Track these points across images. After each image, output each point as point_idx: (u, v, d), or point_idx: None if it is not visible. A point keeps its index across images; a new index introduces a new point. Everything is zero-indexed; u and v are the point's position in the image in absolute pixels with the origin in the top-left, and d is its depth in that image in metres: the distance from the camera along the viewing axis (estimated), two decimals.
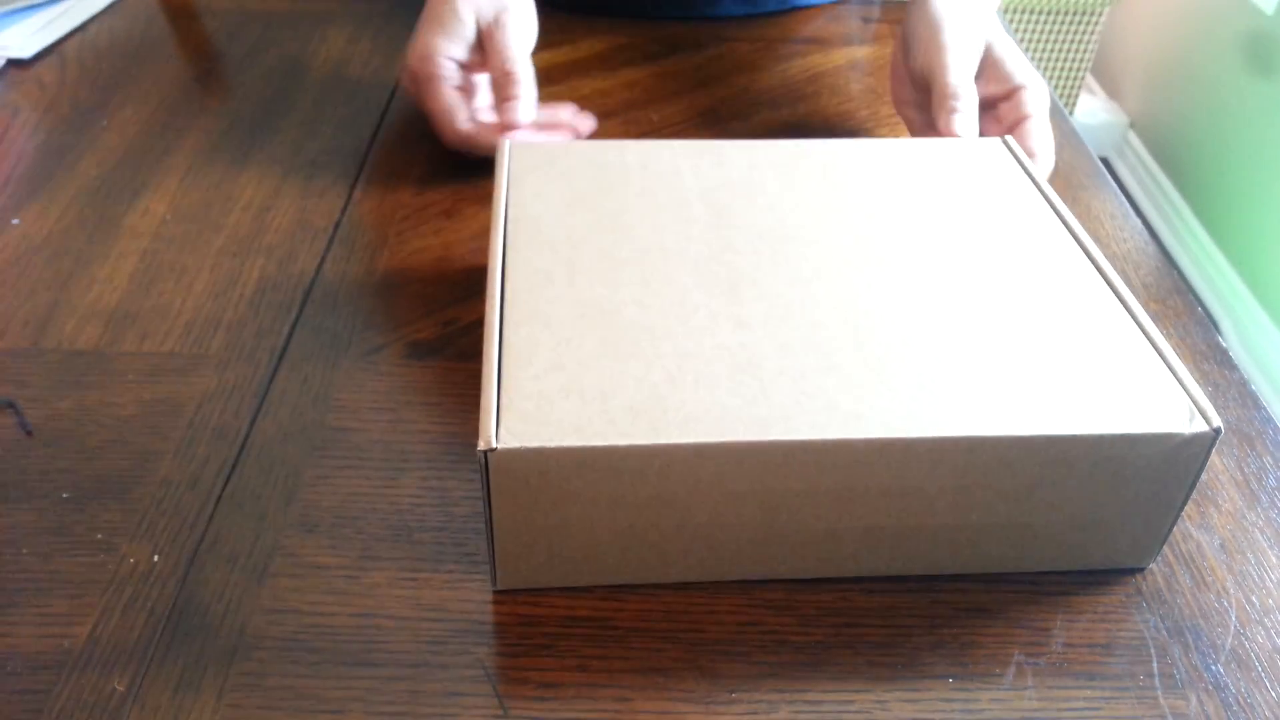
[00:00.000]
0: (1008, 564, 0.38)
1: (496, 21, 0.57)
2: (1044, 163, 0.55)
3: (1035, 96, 0.56)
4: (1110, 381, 0.36)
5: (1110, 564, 0.38)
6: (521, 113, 0.55)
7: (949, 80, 0.55)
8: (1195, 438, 0.35)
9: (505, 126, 0.55)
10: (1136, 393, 0.36)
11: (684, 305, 0.38)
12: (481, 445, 0.33)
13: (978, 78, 0.57)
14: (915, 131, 0.61)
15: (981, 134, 0.57)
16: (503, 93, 0.56)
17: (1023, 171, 0.48)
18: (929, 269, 0.41)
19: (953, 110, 0.54)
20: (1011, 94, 0.57)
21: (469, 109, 0.57)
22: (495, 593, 0.37)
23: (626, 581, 0.37)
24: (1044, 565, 0.38)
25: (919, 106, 0.60)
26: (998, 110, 0.57)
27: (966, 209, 0.45)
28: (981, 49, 0.57)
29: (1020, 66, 0.57)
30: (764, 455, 0.34)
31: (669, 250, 0.41)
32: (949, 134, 0.53)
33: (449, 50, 0.57)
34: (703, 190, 0.45)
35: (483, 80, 0.60)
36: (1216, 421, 0.35)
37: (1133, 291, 0.53)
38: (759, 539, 0.36)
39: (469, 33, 0.57)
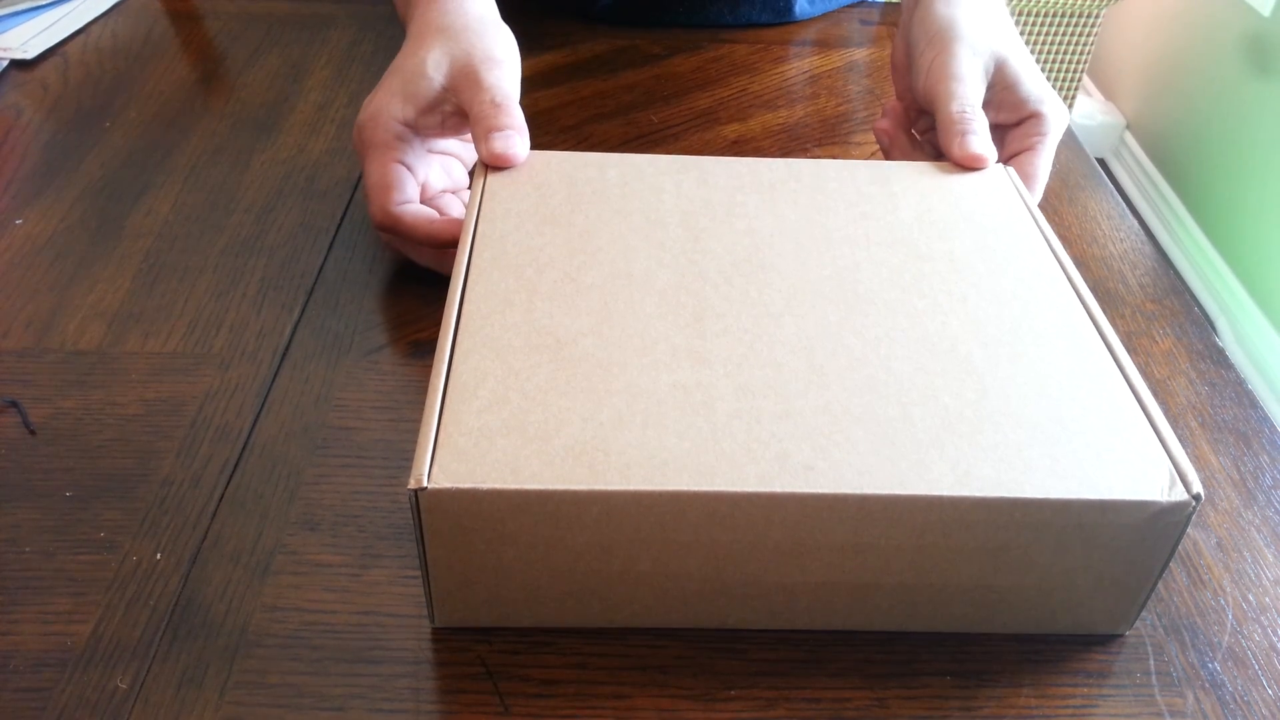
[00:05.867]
0: (972, 625, 0.36)
1: (482, 64, 0.49)
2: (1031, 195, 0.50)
3: (1044, 125, 0.52)
4: (1087, 441, 0.34)
5: (1083, 629, 0.36)
6: (516, 145, 0.46)
7: (952, 109, 0.50)
8: (1173, 506, 0.32)
9: (495, 158, 0.46)
10: (1114, 454, 0.33)
11: (643, 337, 0.37)
12: (412, 484, 0.31)
13: (988, 103, 0.53)
14: (891, 150, 0.57)
15: None
16: (490, 124, 0.46)
17: (1023, 205, 0.45)
18: (907, 307, 0.39)
19: (963, 133, 0.49)
20: (1022, 121, 0.52)
21: (407, 191, 0.49)
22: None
23: (570, 625, 0.36)
24: (1011, 628, 0.36)
25: (906, 127, 0.56)
26: (1005, 138, 0.53)
27: (955, 243, 0.43)
28: (992, 70, 0.53)
29: (1034, 91, 0.52)
30: (707, 505, 0.32)
31: (636, 276, 0.40)
32: (965, 160, 0.49)
33: (401, 113, 0.48)
34: (682, 212, 0.43)
35: (435, 159, 0.52)
36: (1197, 488, 0.33)
37: (1129, 291, 0.53)
38: (706, 589, 0.35)
39: (431, 92, 0.48)
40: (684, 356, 0.36)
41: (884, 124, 0.57)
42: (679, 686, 0.35)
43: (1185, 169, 2.02)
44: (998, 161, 0.51)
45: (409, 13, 0.55)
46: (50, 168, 0.59)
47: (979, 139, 0.49)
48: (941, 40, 0.53)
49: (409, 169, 0.49)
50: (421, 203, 0.50)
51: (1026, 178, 0.50)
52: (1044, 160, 0.51)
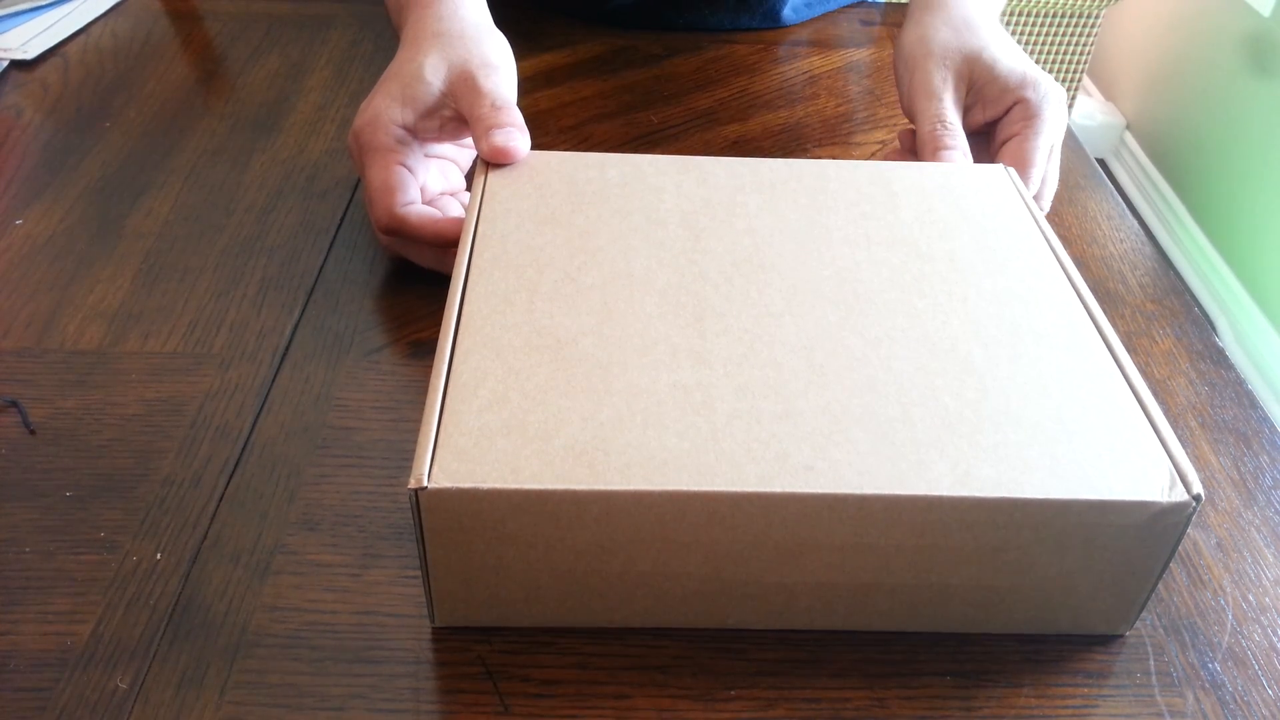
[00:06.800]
0: (972, 625, 0.36)
1: (480, 70, 0.49)
2: (1029, 187, 0.50)
3: (1028, 110, 0.52)
4: (1087, 442, 0.34)
5: (1082, 630, 0.36)
6: (517, 139, 0.46)
7: (925, 129, 0.52)
8: (1173, 507, 0.32)
9: (497, 152, 0.46)
10: (1114, 455, 0.33)
11: (644, 338, 0.37)
12: (412, 484, 0.31)
13: (973, 103, 0.54)
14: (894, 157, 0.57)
15: (979, 160, 0.53)
16: (490, 123, 0.47)
17: (1022, 204, 0.45)
18: (907, 307, 0.39)
19: (935, 150, 0.51)
20: (1009, 110, 0.53)
21: (410, 193, 0.49)
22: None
23: (570, 624, 0.36)
24: (1011, 628, 0.36)
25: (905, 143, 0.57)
26: (997, 130, 0.53)
27: (956, 243, 0.43)
28: (965, 71, 0.53)
29: (1012, 78, 0.53)
30: (707, 505, 0.32)
31: (636, 276, 0.40)
32: None
33: (401, 117, 0.49)
34: (682, 212, 0.43)
35: (433, 163, 0.52)
36: (1197, 488, 0.33)
37: (1129, 291, 0.53)
38: (706, 589, 0.35)
39: (430, 96, 0.49)
40: (684, 356, 0.36)
41: (890, 155, 0.58)
42: (679, 686, 0.35)
43: (1185, 169, 2.02)
44: (996, 160, 0.52)
45: (403, 18, 0.55)
46: (50, 168, 0.59)
47: (952, 153, 0.50)
48: (914, 61, 0.55)
49: (410, 172, 0.49)
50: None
51: (1017, 165, 0.50)
52: (1032, 145, 0.51)
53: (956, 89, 0.54)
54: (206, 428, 0.43)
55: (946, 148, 0.51)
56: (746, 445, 0.33)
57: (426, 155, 0.52)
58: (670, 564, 0.34)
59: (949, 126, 0.52)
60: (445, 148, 0.53)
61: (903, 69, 0.56)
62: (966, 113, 0.54)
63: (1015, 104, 0.53)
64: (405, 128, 0.49)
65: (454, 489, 0.32)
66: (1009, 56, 0.54)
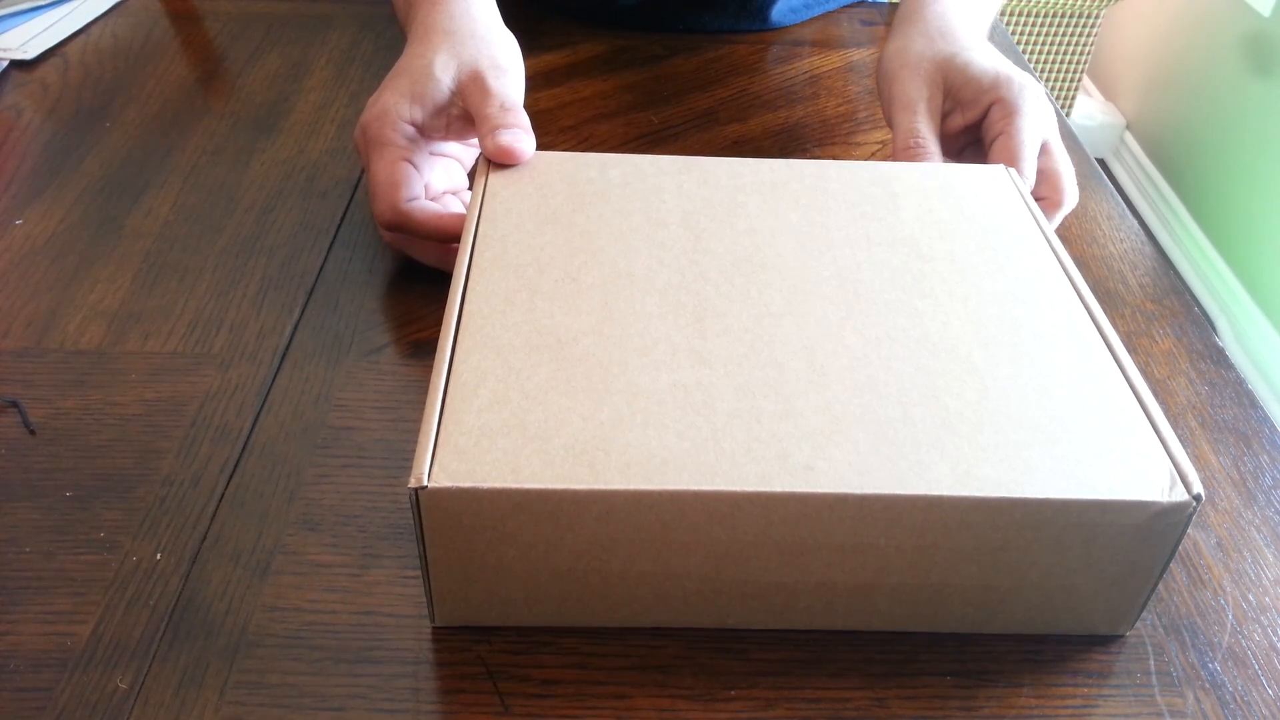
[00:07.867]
0: (972, 625, 0.36)
1: (489, 71, 0.49)
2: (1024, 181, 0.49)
3: (1005, 108, 0.51)
4: (1088, 441, 0.34)
5: (1083, 630, 0.36)
6: (523, 140, 0.46)
7: (899, 142, 0.52)
8: (1173, 507, 0.33)
9: (502, 152, 0.46)
10: (1114, 455, 0.33)
11: (644, 337, 0.37)
12: (412, 483, 0.32)
13: (951, 109, 0.54)
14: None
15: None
16: (497, 123, 0.47)
17: (1023, 205, 0.45)
18: (908, 308, 0.39)
19: (909, 160, 0.51)
20: (988, 111, 0.53)
21: (415, 189, 0.49)
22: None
23: (570, 624, 0.36)
24: (1011, 628, 0.36)
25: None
26: (982, 133, 0.53)
27: (957, 244, 0.43)
28: (940, 78, 0.54)
29: (985, 79, 0.52)
30: (707, 505, 0.32)
31: (637, 276, 0.40)
32: None
33: (410, 113, 0.49)
34: (683, 212, 0.43)
35: (437, 161, 0.52)
36: (1198, 488, 0.33)
37: (1129, 291, 0.53)
38: (706, 589, 0.35)
39: (440, 94, 0.49)
40: (684, 356, 0.36)
41: None
42: (679, 686, 0.35)
43: (1185, 169, 2.02)
44: (988, 162, 0.52)
45: (411, 14, 0.55)
46: (50, 168, 0.59)
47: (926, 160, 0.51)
48: (891, 73, 0.55)
49: (415, 168, 0.49)
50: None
51: (1007, 162, 0.50)
52: (1018, 141, 0.50)
53: (932, 98, 0.54)
54: (206, 428, 0.43)
55: (920, 156, 0.51)
56: (746, 445, 0.33)
57: (432, 153, 0.52)
58: (670, 564, 0.34)
59: (921, 140, 0.52)
60: (450, 146, 0.53)
61: (883, 81, 0.57)
62: (946, 118, 0.54)
63: (993, 104, 0.52)
64: (413, 124, 0.49)
65: (454, 488, 0.32)
66: (983, 59, 0.54)
